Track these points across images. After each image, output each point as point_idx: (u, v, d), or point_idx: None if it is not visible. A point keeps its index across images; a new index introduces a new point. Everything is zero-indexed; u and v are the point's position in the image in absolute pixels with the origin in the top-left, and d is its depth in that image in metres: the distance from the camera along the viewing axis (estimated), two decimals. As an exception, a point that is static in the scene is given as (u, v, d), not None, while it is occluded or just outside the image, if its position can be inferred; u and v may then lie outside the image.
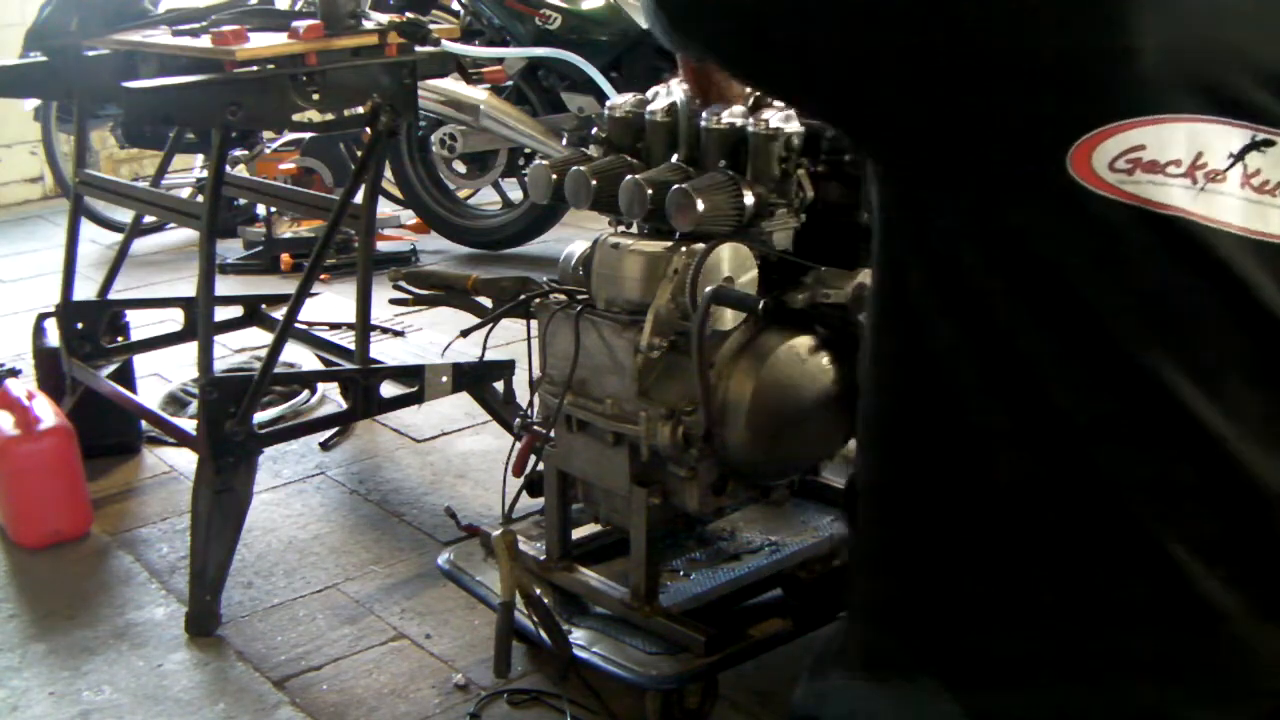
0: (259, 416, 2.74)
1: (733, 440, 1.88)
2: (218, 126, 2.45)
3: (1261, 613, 1.12)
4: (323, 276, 3.88)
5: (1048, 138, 1.08)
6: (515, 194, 4.94)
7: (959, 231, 1.13)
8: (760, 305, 1.82)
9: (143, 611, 2.50)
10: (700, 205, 1.86)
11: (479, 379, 2.80)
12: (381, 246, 4.66)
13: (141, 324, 3.30)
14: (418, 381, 2.72)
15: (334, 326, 3.09)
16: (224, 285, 3.71)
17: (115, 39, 2.70)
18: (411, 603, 2.49)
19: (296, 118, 2.80)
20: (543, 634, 2.00)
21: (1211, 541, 1.11)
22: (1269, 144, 1.09)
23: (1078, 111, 1.07)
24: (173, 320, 3.39)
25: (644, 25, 4.36)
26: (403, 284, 2.39)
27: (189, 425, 2.62)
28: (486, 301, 2.31)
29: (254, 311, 3.32)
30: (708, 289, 1.83)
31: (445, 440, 3.24)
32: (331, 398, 3.34)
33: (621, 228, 2.09)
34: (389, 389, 2.73)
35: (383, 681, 2.25)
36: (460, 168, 4.81)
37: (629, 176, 1.94)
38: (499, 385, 2.83)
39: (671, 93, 2.04)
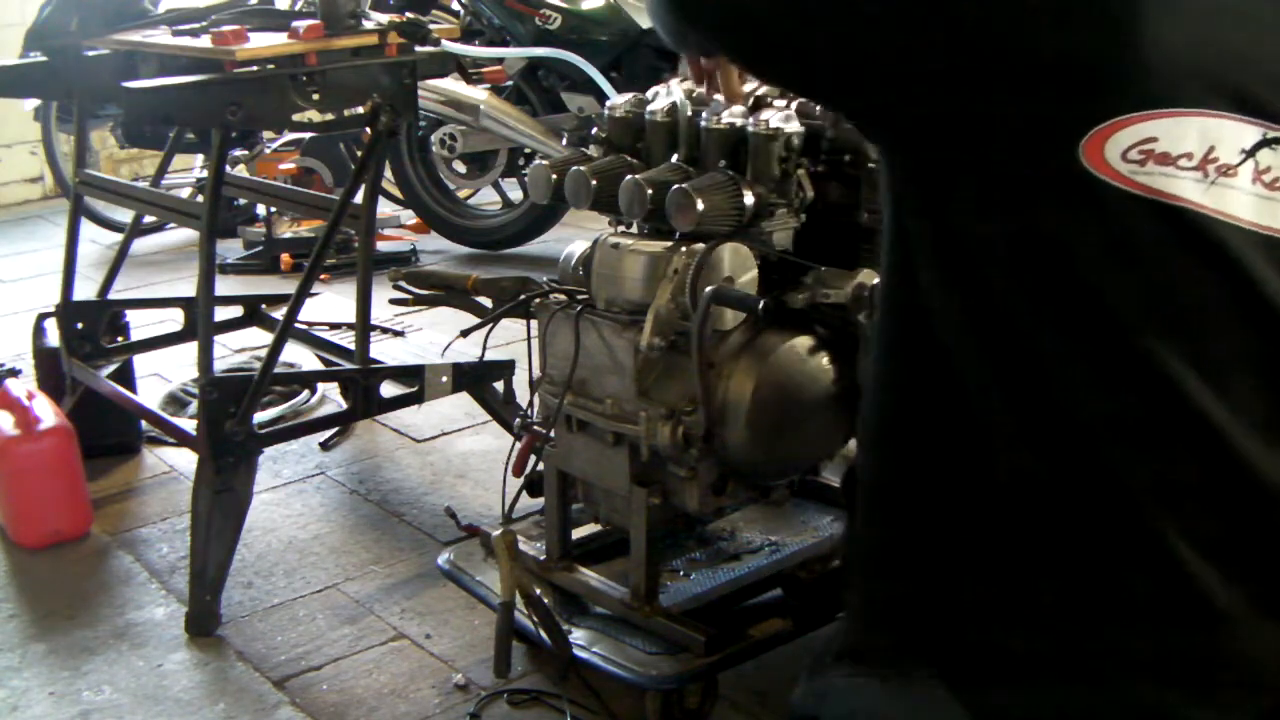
0: (259, 416, 2.74)
1: (733, 440, 1.88)
2: (218, 126, 2.45)
3: (1263, 611, 1.12)
4: (323, 276, 3.88)
5: (1056, 131, 1.08)
6: (515, 194, 4.94)
7: (969, 228, 1.13)
8: (760, 305, 1.82)
9: (143, 611, 2.50)
10: (700, 205, 1.86)
11: (479, 379, 2.80)
12: (381, 246, 4.65)
13: (141, 324, 3.30)
14: (418, 381, 2.72)
15: (334, 326, 3.09)
16: (224, 285, 3.71)
17: (115, 39, 2.70)
18: (411, 603, 2.49)
19: (296, 118, 2.80)
20: (543, 634, 2.00)
21: (1214, 539, 1.11)
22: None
23: (1087, 106, 1.07)
24: (173, 320, 3.39)
25: (644, 25, 4.36)
26: (403, 284, 2.39)
27: (189, 425, 2.62)
28: (486, 301, 2.31)
29: (254, 311, 3.32)
30: (708, 289, 1.83)
31: (445, 440, 3.24)
32: (331, 398, 3.34)
33: (621, 228, 2.09)
34: (389, 389, 2.73)
35: (383, 681, 2.25)
36: (460, 168, 4.81)
37: (629, 176, 1.94)
38: (499, 385, 2.83)
39: (671, 93, 2.04)
